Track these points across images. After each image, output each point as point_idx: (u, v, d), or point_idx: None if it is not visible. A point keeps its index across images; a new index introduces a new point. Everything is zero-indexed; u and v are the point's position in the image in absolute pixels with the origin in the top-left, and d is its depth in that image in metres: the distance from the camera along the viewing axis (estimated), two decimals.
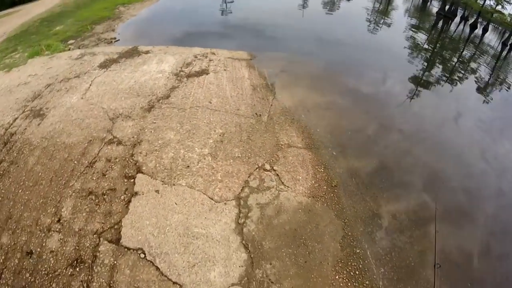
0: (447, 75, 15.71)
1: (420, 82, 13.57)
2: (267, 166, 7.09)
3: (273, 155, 7.28)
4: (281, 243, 5.61)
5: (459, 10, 42.51)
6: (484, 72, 18.03)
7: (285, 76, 10.87)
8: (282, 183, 6.69)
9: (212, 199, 6.19)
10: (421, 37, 22.12)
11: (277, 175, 6.84)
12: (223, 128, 8.11)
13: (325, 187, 6.80)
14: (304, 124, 8.70)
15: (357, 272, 5.36)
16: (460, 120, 10.82)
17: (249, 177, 6.79)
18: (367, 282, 5.26)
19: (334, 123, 8.94)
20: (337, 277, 5.25)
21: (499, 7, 40.87)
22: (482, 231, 6.74)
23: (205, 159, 7.13)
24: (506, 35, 41.22)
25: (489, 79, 17.30)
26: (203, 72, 10.48)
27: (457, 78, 15.77)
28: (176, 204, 6.09)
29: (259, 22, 17.13)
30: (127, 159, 6.95)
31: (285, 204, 6.27)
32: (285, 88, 10.15)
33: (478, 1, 40.78)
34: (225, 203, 6.14)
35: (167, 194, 6.27)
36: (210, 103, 9.10)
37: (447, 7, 40.58)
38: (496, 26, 50.44)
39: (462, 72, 17.05)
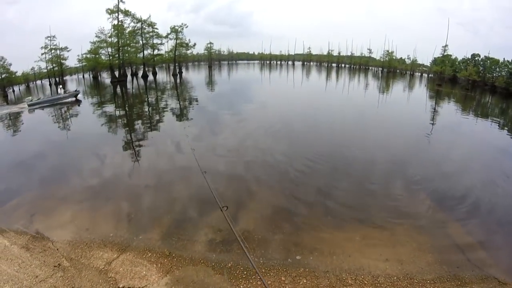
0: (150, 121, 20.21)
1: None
2: None
3: None
4: None
5: (127, 70, 46.89)
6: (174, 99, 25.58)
7: None
8: None
9: None
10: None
11: None
12: None
13: None
14: None
15: None
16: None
17: None
18: None
19: None
20: None
21: (156, 51, 48.85)
22: None
23: None
24: (172, 68, 50.48)
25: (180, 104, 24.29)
26: None
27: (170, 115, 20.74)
28: None
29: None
30: None
31: None
32: None
33: (138, 55, 46.65)
34: None
35: None
36: None
37: (116, 73, 42.94)
38: (162, 66, 61.11)
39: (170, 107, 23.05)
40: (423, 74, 55.73)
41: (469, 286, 5.01)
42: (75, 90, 31.15)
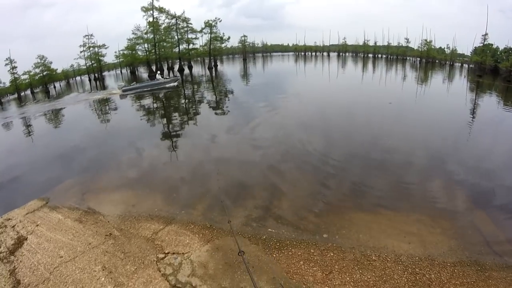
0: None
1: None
2: None
3: None
4: None
5: (163, 65, 49.33)
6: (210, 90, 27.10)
7: None
8: None
9: None
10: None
11: None
12: None
13: None
14: None
15: None
16: None
17: None
18: None
19: None
20: None
21: (191, 46, 50.95)
22: None
23: None
24: (207, 61, 52.36)
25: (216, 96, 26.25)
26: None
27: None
28: None
29: None
30: None
31: None
32: None
33: (174, 50, 48.89)
34: None
35: None
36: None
37: (153, 67, 45.33)
38: (197, 59, 63.06)
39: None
40: (464, 65, 51.95)
41: (488, 272, 5.21)
42: (175, 76, 32.31)
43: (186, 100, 25.60)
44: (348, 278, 4.99)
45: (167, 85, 30.62)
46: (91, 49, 50.77)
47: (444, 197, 7.90)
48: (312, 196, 8.04)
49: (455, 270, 5.25)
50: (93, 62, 52.03)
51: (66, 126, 20.11)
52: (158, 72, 36.03)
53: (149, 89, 30.28)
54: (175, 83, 31.18)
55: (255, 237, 6.24)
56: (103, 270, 5.61)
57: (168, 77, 32.37)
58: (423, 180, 8.88)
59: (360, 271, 5.15)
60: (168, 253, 5.92)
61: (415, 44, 63.29)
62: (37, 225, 8.02)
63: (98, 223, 7.40)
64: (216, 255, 5.66)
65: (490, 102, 22.17)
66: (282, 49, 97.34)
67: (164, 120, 18.51)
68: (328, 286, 4.83)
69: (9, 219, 8.75)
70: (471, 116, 17.05)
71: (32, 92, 48.30)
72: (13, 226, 8.24)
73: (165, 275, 5.29)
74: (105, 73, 60.18)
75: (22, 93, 47.41)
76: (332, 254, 5.63)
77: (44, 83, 48.94)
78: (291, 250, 5.77)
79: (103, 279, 5.37)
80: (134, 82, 32.81)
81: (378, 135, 13.10)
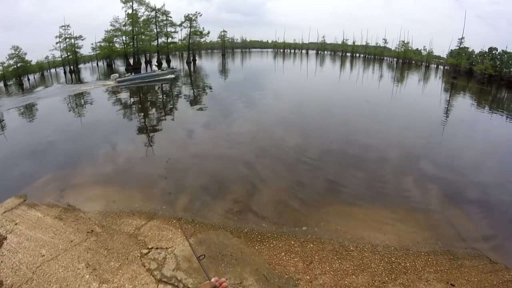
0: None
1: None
2: None
3: None
4: None
5: (141, 58, 47.89)
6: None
7: None
8: None
9: None
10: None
11: None
12: None
13: None
14: None
15: None
16: None
17: None
18: None
19: None
20: None
21: (170, 39, 49.73)
22: None
23: None
24: (185, 56, 51.32)
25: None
26: None
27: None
28: None
29: None
30: None
31: None
32: None
33: (152, 44, 47.58)
34: None
35: None
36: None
37: (131, 60, 43.92)
38: (175, 53, 61.62)
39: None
40: (439, 66, 54.37)
41: (460, 261, 5.57)
42: (172, 68, 31.17)
43: (164, 96, 25.15)
44: (328, 268, 5.17)
45: (163, 77, 29.89)
46: (67, 40, 48.27)
47: (417, 192, 8.33)
48: (288, 191, 8.19)
49: (429, 259, 5.57)
50: (69, 54, 49.46)
51: (45, 119, 19.09)
52: (155, 63, 34.71)
53: (145, 80, 29.46)
54: (173, 75, 30.49)
55: (237, 230, 6.29)
56: (87, 267, 5.46)
57: (164, 69, 31.31)
58: (397, 176, 9.30)
59: (339, 261, 5.35)
60: (151, 248, 5.86)
61: (392, 45, 65.45)
62: (16, 224, 7.68)
63: (79, 220, 7.16)
64: (200, 249, 5.65)
65: (464, 103, 23.45)
66: (262, 45, 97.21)
67: (140, 115, 18.07)
68: (309, 275, 4.99)
69: None
70: (445, 115, 17.95)
71: (5, 85, 45.51)
72: None
73: (150, 270, 5.23)
74: (81, 66, 57.67)
75: None
76: (312, 245, 5.79)
77: (18, 75, 46.16)
78: (273, 242, 5.87)
79: (87, 276, 5.23)
80: (130, 73, 31.69)
81: (354, 132, 13.54)
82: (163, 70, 30.88)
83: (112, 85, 28.93)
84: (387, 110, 18.80)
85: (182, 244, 5.88)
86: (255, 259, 5.39)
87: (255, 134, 13.09)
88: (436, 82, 36.29)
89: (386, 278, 5.01)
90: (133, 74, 31.31)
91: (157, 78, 29.69)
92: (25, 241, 6.64)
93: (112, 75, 31.37)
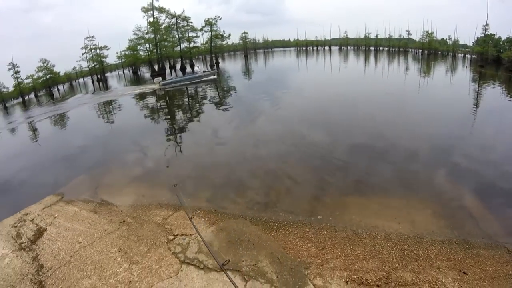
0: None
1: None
2: None
3: None
4: None
5: (165, 64, 49.71)
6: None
7: None
8: None
9: None
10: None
11: None
12: None
13: None
14: None
15: None
16: None
17: None
18: None
19: None
20: None
21: (192, 44, 51.40)
22: None
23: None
24: (208, 59, 52.73)
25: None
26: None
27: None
28: None
29: None
30: None
31: None
32: None
33: (175, 49, 49.42)
34: None
35: None
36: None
37: (155, 67, 45.71)
38: (198, 57, 63.37)
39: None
40: (466, 55, 51.44)
41: (476, 250, 5.56)
42: (213, 70, 32.95)
43: (189, 99, 26.16)
44: (339, 253, 5.47)
45: (206, 78, 31.05)
46: (92, 51, 51.57)
47: (439, 183, 8.27)
48: (307, 184, 8.51)
49: (443, 248, 5.63)
50: (95, 63, 52.74)
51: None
52: (197, 65, 36.22)
53: (188, 82, 30.79)
54: (214, 76, 31.66)
55: (255, 219, 6.77)
56: (119, 251, 6.17)
57: (206, 70, 32.61)
58: (419, 167, 9.25)
59: (351, 247, 5.62)
60: (177, 235, 6.46)
61: (416, 36, 62.96)
62: (55, 217, 8.60)
63: (112, 213, 7.97)
64: (220, 235, 6.20)
65: (493, 92, 22.30)
66: (284, 44, 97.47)
67: (168, 117, 19.19)
68: (320, 259, 5.31)
69: (27, 213, 9.32)
70: (474, 106, 17.26)
71: (36, 96, 49.08)
72: (31, 220, 8.83)
73: (175, 253, 5.84)
74: (108, 74, 60.88)
75: (26, 97, 48.28)
76: (325, 232, 6.10)
77: (47, 86, 49.76)
78: (288, 229, 6.26)
79: (119, 258, 5.93)
80: (173, 76, 33.19)
81: (377, 124, 13.52)
82: (205, 71, 31.98)
83: (156, 88, 30.65)
84: (413, 102, 18.39)
85: (204, 231, 6.44)
86: (270, 244, 5.81)
87: (279, 131, 13.53)
88: (463, 72, 34.55)
89: (397, 264, 5.20)
90: (176, 76, 32.70)
91: (199, 80, 30.84)
92: (64, 231, 7.52)
93: (155, 79, 33.24)
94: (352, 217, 6.62)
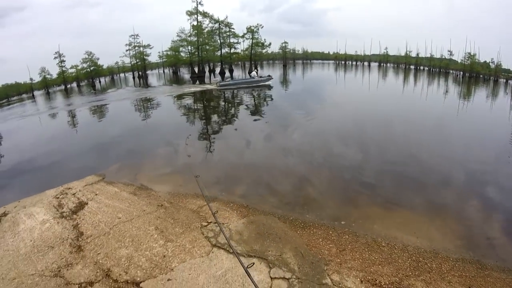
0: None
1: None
2: None
3: None
4: None
5: (205, 67, 51.94)
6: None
7: None
8: None
9: None
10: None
11: None
12: None
13: None
14: None
15: None
16: None
17: None
18: None
19: None
20: None
21: (233, 50, 53.52)
22: None
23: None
24: (247, 65, 54.21)
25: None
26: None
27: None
28: None
29: None
30: None
31: None
32: None
33: (216, 53, 51.76)
34: None
35: None
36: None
37: (195, 69, 48.04)
38: (238, 63, 65.20)
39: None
40: (508, 81, 48.66)
41: (488, 272, 5.83)
42: (269, 75, 34.64)
43: (225, 103, 27.54)
44: (358, 256, 6.04)
45: (263, 83, 32.66)
46: (136, 48, 55.22)
47: (462, 206, 8.49)
48: (335, 193, 9.14)
49: (456, 265, 5.99)
50: (137, 60, 56.28)
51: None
52: (255, 69, 38.12)
53: (244, 86, 32.49)
54: (270, 82, 33.24)
55: (283, 217, 7.53)
56: (156, 230, 7.11)
57: (262, 76, 34.46)
58: (444, 188, 9.48)
59: (369, 252, 6.17)
60: (210, 222, 7.33)
61: (458, 57, 60.56)
62: (96, 194, 9.31)
63: (150, 197, 8.99)
64: (250, 227, 7.01)
65: None
66: (323, 56, 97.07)
67: (204, 120, 20.64)
68: (339, 259, 5.93)
69: (69, 188, 10.07)
70: None
71: (78, 85, 53.26)
72: (73, 194, 9.55)
73: (207, 237, 6.70)
74: (148, 72, 64.42)
75: (68, 86, 52.57)
76: (347, 236, 6.70)
77: (90, 77, 53.87)
78: (313, 230, 6.95)
79: (156, 236, 6.87)
80: (230, 78, 35.50)
81: (410, 144, 13.83)
82: (261, 77, 33.58)
83: (213, 88, 32.81)
84: (451, 126, 18.21)
85: (236, 221, 7.28)
86: (295, 240, 6.51)
87: (311, 142, 14.21)
88: (505, 99, 32.94)
89: (410, 273, 5.66)
90: (233, 79, 35.26)
91: (255, 84, 32.45)
92: (104, 207, 8.33)
93: (213, 79, 35.69)
94: (374, 226, 7.15)
